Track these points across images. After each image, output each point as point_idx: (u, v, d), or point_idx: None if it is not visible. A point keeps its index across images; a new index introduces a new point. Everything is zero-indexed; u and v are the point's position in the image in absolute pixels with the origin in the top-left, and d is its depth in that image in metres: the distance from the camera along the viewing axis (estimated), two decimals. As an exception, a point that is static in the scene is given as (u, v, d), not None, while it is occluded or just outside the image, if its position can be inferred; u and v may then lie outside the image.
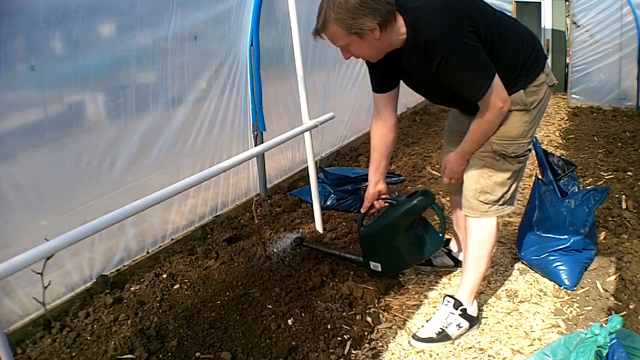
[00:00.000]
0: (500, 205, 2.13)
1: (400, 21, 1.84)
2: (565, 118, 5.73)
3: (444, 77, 1.84)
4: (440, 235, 2.39)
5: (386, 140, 2.27)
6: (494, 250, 2.53)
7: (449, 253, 2.68)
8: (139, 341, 2.10)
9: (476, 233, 2.16)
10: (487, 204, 2.11)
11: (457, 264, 2.65)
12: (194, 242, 3.01)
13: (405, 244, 2.37)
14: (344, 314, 2.29)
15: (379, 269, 2.42)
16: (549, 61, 7.12)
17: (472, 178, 2.12)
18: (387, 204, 2.38)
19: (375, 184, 2.36)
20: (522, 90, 1.98)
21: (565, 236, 2.51)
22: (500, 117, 1.94)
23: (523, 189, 3.51)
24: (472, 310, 2.20)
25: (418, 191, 2.36)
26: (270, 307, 2.32)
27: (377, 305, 2.39)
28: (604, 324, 1.34)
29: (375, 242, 2.39)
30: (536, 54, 2.01)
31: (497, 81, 1.84)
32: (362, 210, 2.39)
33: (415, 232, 2.37)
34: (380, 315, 2.32)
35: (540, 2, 6.95)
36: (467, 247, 2.20)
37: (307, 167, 2.98)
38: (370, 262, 2.43)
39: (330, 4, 1.79)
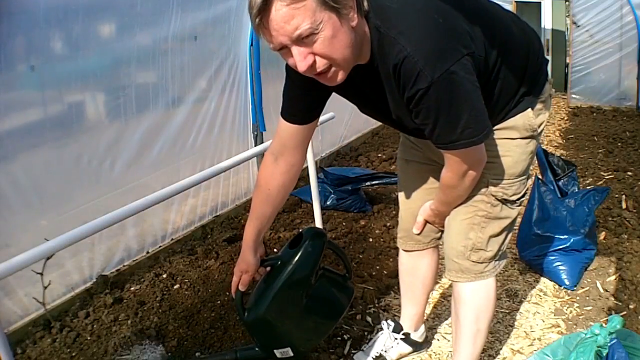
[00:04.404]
0: (496, 260, 1.64)
1: (365, 23, 1.22)
2: (565, 118, 5.73)
3: (414, 114, 1.30)
4: (347, 275, 1.81)
5: (285, 192, 1.60)
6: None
7: (407, 338, 2.01)
8: (139, 341, 2.10)
9: (470, 302, 1.65)
10: (481, 263, 1.61)
11: (417, 346, 2.06)
12: (194, 242, 3.01)
13: (312, 311, 1.71)
14: (344, 313, 2.29)
15: (291, 354, 1.75)
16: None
17: (459, 232, 1.59)
18: (268, 268, 1.70)
19: (254, 253, 1.63)
20: (529, 110, 1.47)
21: (565, 236, 2.51)
22: (473, 183, 1.47)
23: (523, 189, 3.51)
24: None
25: (302, 233, 1.68)
26: (270, 307, 2.31)
27: (377, 305, 2.39)
28: (604, 324, 1.33)
29: (269, 324, 1.69)
30: (542, 58, 1.50)
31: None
32: (242, 288, 1.65)
33: (317, 289, 1.70)
34: (380, 315, 2.32)
35: (540, 2, 6.95)
36: (459, 322, 1.69)
37: (307, 167, 2.98)
38: (274, 350, 1.74)
39: None
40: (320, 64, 1.17)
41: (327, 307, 1.76)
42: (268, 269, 1.70)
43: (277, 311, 1.67)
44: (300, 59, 1.15)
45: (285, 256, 1.66)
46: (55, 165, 2.32)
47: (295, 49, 1.14)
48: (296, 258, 1.64)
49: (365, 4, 1.20)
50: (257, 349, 1.76)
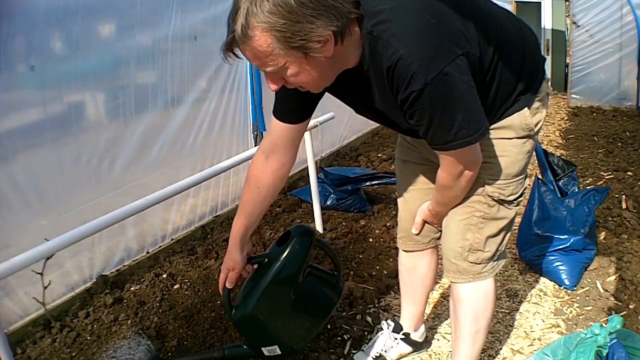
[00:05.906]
0: (495, 261, 1.63)
1: (357, 30, 1.21)
2: (565, 118, 5.73)
3: (408, 115, 1.29)
4: (336, 274, 1.78)
5: (274, 190, 1.60)
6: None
7: (407, 338, 2.01)
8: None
9: (468, 302, 1.65)
10: (479, 264, 1.60)
11: (417, 346, 2.06)
12: (194, 242, 3.02)
13: (300, 308, 1.69)
14: (344, 314, 2.29)
15: (278, 352, 1.73)
16: (548, 61, 7.16)
17: (457, 233, 1.58)
18: (255, 265, 1.69)
19: (241, 250, 1.61)
20: (526, 109, 1.45)
21: (565, 236, 2.51)
22: (469, 184, 1.46)
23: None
24: None
25: (290, 231, 1.67)
26: (270, 307, 2.31)
27: (377, 305, 2.39)
28: (604, 324, 1.33)
29: (257, 322, 1.68)
30: (538, 56, 1.49)
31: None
32: (229, 286, 1.64)
33: (305, 287, 1.68)
34: (380, 315, 2.32)
35: (540, 2, 6.95)
36: (458, 322, 1.68)
37: (307, 167, 2.98)
38: (262, 348, 1.73)
39: None
40: (291, 85, 1.22)
41: (315, 305, 1.74)
42: (255, 266, 1.69)
43: (264, 309, 1.66)
44: (270, 82, 1.21)
45: (273, 254, 1.65)
46: (55, 165, 2.32)
47: (267, 75, 1.20)
48: (283, 255, 1.62)
49: (359, 9, 1.18)
50: (245, 347, 1.75)
